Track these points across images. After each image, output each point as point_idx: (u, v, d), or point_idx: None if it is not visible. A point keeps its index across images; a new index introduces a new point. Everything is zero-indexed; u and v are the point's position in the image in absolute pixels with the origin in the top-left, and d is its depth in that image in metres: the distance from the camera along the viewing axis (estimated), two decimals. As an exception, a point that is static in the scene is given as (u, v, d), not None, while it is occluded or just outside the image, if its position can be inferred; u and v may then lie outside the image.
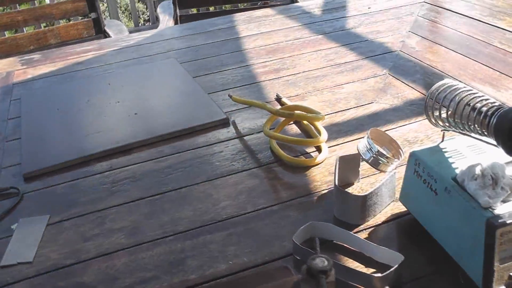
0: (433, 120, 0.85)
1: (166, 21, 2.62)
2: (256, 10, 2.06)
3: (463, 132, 0.81)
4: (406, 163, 0.87)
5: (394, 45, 1.65)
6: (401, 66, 1.49)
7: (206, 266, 0.83)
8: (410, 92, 1.33)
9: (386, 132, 1.02)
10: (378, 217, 0.90)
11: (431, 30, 1.78)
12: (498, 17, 1.80)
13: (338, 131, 1.17)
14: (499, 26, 1.73)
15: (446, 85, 0.82)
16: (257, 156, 1.10)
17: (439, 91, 0.82)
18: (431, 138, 1.11)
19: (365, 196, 0.88)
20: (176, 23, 2.53)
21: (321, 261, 0.48)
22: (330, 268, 0.47)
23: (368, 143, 0.92)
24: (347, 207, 0.90)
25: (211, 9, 3.59)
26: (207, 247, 0.86)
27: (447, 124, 0.82)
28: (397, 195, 0.92)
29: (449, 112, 0.80)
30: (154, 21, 4.53)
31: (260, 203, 0.95)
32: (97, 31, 2.70)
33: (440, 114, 0.82)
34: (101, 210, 0.98)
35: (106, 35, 2.56)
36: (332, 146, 1.12)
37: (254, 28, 1.88)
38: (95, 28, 2.69)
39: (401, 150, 0.98)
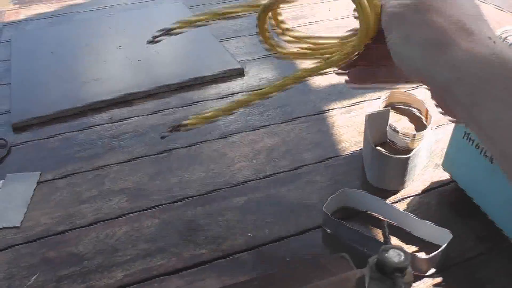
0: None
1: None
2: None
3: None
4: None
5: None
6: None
7: (221, 238, 0.71)
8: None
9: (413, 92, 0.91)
10: (417, 185, 0.78)
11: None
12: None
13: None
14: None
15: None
16: (277, 111, 0.97)
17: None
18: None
19: (408, 158, 0.75)
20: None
21: (396, 255, 0.36)
22: (408, 264, 0.35)
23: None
24: (386, 172, 0.78)
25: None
26: (222, 216, 0.74)
27: None
28: (436, 160, 0.80)
29: None
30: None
31: (281, 165, 0.83)
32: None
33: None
34: (99, 168, 0.86)
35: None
36: (359, 103, 0.99)
37: (268, -28, 1.72)
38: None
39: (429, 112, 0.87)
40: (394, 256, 0.36)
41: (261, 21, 0.46)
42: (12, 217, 0.77)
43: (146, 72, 1.11)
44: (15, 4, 1.58)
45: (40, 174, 0.85)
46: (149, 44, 0.44)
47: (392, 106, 0.93)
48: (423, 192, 0.78)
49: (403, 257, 0.36)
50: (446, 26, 0.33)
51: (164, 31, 0.43)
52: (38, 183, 0.83)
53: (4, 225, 0.76)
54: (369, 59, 0.42)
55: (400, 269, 0.35)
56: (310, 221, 0.73)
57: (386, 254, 0.36)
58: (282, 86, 0.43)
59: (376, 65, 0.42)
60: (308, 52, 0.44)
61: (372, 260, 0.36)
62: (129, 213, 0.76)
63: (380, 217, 0.74)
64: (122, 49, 1.21)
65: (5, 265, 0.69)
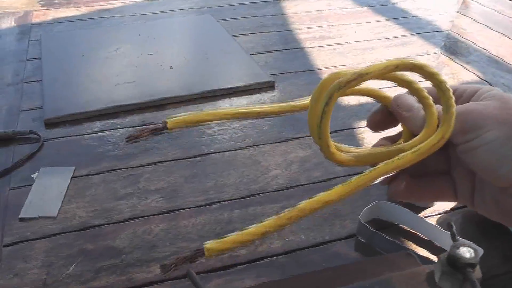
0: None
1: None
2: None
3: None
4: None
5: (443, 24, 1.53)
6: (453, 46, 1.38)
7: (258, 241, 0.72)
8: (466, 74, 1.22)
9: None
10: (445, 203, 0.79)
11: (480, 13, 1.66)
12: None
13: (393, 107, 1.06)
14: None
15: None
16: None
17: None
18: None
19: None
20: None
21: (467, 251, 0.37)
22: (478, 260, 0.36)
23: None
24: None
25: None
26: (258, 220, 0.75)
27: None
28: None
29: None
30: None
31: (314, 176, 0.85)
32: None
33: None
34: (134, 167, 0.87)
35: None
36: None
37: (294, -7, 1.76)
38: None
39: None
40: (465, 252, 0.37)
41: (327, 113, 0.34)
42: (48, 208, 0.78)
43: (178, 79, 1.13)
44: (42, 5, 1.60)
45: (75, 169, 0.86)
46: (128, 142, 0.33)
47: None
48: (452, 210, 0.79)
49: (473, 253, 0.37)
50: None
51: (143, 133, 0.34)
52: (73, 177, 0.84)
53: (41, 215, 0.77)
54: (422, 171, 0.39)
55: (471, 265, 0.37)
56: (344, 229, 0.74)
57: (458, 250, 0.37)
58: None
59: (428, 179, 0.39)
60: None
61: (443, 255, 0.37)
62: (165, 212, 0.77)
63: (411, 230, 0.76)
64: (153, 56, 1.23)
65: (43, 253, 0.70)
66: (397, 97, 0.38)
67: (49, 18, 1.51)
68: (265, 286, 0.52)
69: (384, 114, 0.39)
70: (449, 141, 0.34)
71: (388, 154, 0.37)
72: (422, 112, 0.36)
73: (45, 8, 1.59)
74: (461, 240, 0.37)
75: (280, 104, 0.38)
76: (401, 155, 0.35)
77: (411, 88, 0.39)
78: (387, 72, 0.38)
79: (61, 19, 1.50)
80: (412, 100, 0.37)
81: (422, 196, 0.39)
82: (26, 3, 1.63)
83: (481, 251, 0.37)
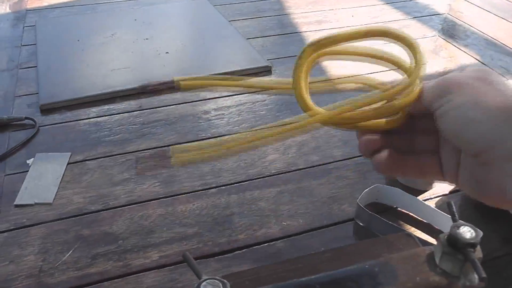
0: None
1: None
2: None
3: None
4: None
5: (440, 7, 1.52)
6: (450, 29, 1.37)
7: (256, 225, 0.71)
8: (464, 57, 1.21)
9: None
10: (444, 185, 0.79)
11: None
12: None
13: (392, 90, 1.05)
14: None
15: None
16: (306, 109, 0.98)
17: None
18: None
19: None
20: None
21: (468, 231, 0.36)
22: (479, 240, 0.36)
23: None
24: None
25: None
26: (255, 205, 0.75)
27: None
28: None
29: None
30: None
31: (312, 160, 0.84)
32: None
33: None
34: (131, 152, 0.86)
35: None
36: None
37: (290, -23, 1.74)
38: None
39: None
40: (465, 232, 0.36)
41: (300, 65, 0.40)
42: (44, 194, 0.78)
43: (174, 64, 1.12)
44: (37, -9, 1.59)
45: (70, 155, 0.85)
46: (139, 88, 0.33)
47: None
48: (451, 192, 0.79)
49: (474, 233, 0.36)
50: None
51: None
52: (69, 163, 0.84)
53: (37, 201, 0.76)
54: (401, 143, 0.39)
55: (472, 244, 0.36)
56: (342, 213, 0.74)
57: (458, 230, 0.37)
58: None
59: (415, 156, 0.39)
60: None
61: (443, 236, 0.37)
62: (162, 197, 0.77)
63: (410, 213, 0.75)
64: (149, 41, 1.21)
65: (39, 240, 0.70)
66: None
67: (44, 3, 1.50)
68: (263, 268, 0.51)
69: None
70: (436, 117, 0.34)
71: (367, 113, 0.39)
72: None
73: (39, -7, 1.57)
74: (461, 221, 0.37)
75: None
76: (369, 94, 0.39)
77: (390, 35, 0.43)
78: (358, 37, 0.42)
79: (56, 5, 1.49)
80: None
81: (407, 171, 0.39)
82: (20, -11, 1.61)
83: (481, 232, 0.36)
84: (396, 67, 0.44)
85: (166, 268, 0.66)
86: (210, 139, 0.66)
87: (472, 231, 0.37)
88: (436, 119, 0.34)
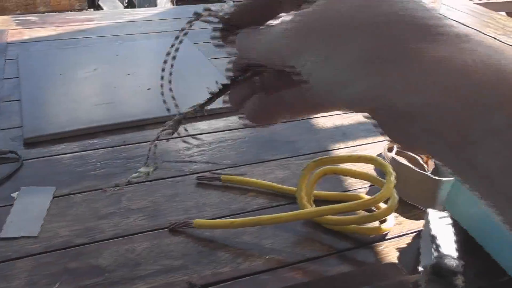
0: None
1: (164, 3, 2.52)
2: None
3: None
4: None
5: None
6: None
7: (240, 258, 0.74)
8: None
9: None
10: (419, 223, 0.82)
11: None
12: (513, 37, 1.75)
13: (366, 129, 1.09)
14: (515, 45, 1.68)
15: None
16: (287, 146, 1.01)
17: None
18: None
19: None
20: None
21: (451, 261, 0.40)
22: (462, 269, 0.39)
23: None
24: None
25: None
26: (239, 238, 0.77)
27: None
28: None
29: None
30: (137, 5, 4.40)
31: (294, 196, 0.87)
32: (90, 5, 2.59)
33: None
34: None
35: (99, 10, 2.45)
36: (363, 145, 1.04)
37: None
38: (88, 2, 2.57)
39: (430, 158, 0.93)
40: (449, 262, 0.40)
41: (303, 175, 0.78)
42: (30, 227, 0.79)
43: (157, 100, 1.13)
44: (17, 24, 1.61)
45: (55, 189, 0.87)
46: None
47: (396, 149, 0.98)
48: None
49: (457, 263, 0.40)
50: (400, 28, 0.23)
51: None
52: (54, 197, 0.85)
53: (23, 234, 0.77)
54: (265, 85, 0.34)
55: (455, 273, 0.40)
56: (325, 247, 0.76)
57: (443, 260, 0.40)
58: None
59: (277, 93, 0.33)
60: None
61: (429, 265, 0.40)
62: (148, 231, 0.78)
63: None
64: (131, 76, 1.24)
65: (25, 272, 0.71)
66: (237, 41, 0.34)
67: (25, 37, 1.52)
68: None
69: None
70: None
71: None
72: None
73: (20, 27, 1.59)
74: (444, 252, 0.40)
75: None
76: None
77: (374, 162, 0.78)
78: (352, 161, 0.80)
79: (37, 39, 1.51)
80: (246, 37, 0.32)
81: (283, 111, 0.33)
82: (1, 22, 1.63)
83: (462, 262, 0.39)
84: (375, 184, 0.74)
85: (153, 300, 0.67)
86: (224, 220, 0.72)
87: (455, 261, 0.40)
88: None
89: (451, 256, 0.41)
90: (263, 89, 0.34)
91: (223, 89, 0.38)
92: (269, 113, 0.34)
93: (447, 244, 0.69)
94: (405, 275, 0.50)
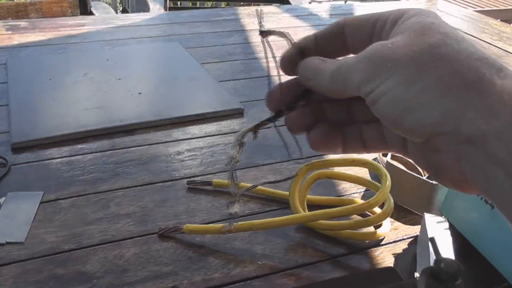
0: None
1: (157, 9, 2.51)
2: (260, 6, 1.97)
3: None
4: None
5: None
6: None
7: (231, 264, 0.72)
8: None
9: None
10: (415, 228, 0.81)
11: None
12: (508, 43, 1.75)
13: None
14: (510, 51, 1.67)
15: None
16: (278, 150, 1.00)
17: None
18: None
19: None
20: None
21: (450, 264, 0.38)
22: (461, 273, 0.38)
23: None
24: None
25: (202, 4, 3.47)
26: (230, 244, 0.76)
27: None
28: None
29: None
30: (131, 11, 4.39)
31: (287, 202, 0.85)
32: (82, 12, 2.57)
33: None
34: (104, 191, 0.86)
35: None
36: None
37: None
38: (80, 8, 2.56)
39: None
40: (448, 265, 0.38)
41: (296, 180, 0.78)
42: (16, 234, 0.77)
43: (147, 105, 1.13)
44: (7, 30, 1.59)
45: (43, 194, 0.85)
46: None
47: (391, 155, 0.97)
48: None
49: (456, 266, 0.38)
50: (472, 61, 0.26)
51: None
52: (41, 202, 0.83)
53: (8, 240, 0.75)
54: (333, 115, 0.36)
55: (454, 277, 0.38)
56: (319, 253, 0.75)
57: (441, 264, 0.39)
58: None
59: (354, 127, 0.35)
60: None
61: (427, 269, 0.39)
62: (136, 236, 0.77)
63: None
64: (121, 81, 1.22)
65: (10, 279, 0.69)
66: (303, 65, 0.35)
67: (15, 42, 1.50)
68: None
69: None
70: None
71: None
72: (328, 68, 0.32)
73: (10, 32, 1.58)
74: (443, 256, 0.39)
75: None
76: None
77: (368, 165, 0.75)
78: (346, 164, 0.78)
79: (27, 44, 1.49)
80: (317, 62, 0.34)
81: (347, 146, 0.35)
82: (-10, 28, 1.61)
83: (462, 266, 0.38)
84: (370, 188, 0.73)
85: (141, 307, 0.65)
86: (214, 224, 0.70)
87: (454, 264, 0.39)
88: (369, 106, 0.29)
89: (450, 260, 0.39)
90: (326, 120, 0.36)
91: (279, 114, 0.39)
92: (335, 144, 0.36)
93: (445, 249, 0.67)
94: (401, 279, 0.48)
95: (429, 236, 0.66)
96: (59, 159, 0.95)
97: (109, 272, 0.70)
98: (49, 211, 0.82)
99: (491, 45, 1.72)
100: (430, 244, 0.41)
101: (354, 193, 0.88)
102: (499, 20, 2.55)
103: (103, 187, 0.87)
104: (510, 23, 2.45)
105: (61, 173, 0.91)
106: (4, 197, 0.84)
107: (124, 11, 4.79)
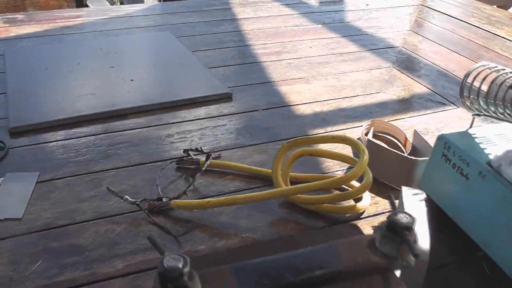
0: (468, 103, 0.80)
1: (151, 1, 2.54)
2: None
3: (499, 117, 0.76)
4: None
5: (395, 41, 1.61)
6: (405, 61, 1.45)
7: (216, 237, 0.76)
8: (417, 86, 1.29)
9: (391, 122, 1.00)
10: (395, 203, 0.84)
11: (431, 31, 1.75)
12: (497, 26, 1.78)
13: (345, 115, 1.12)
14: (498, 34, 1.71)
15: (486, 67, 0.78)
16: (264, 132, 1.04)
17: (478, 72, 0.78)
18: (442, 131, 1.07)
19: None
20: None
21: (404, 217, 0.42)
22: (414, 224, 0.42)
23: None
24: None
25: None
26: (216, 218, 0.80)
27: (484, 108, 0.78)
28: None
29: (489, 95, 0.76)
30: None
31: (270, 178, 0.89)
32: (78, 5, 2.61)
33: (478, 96, 0.78)
34: (97, 171, 0.90)
35: (87, 9, 2.47)
36: (341, 130, 1.06)
37: (251, 12, 1.83)
38: (76, 2, 2.59)
39: (408, 140, 0.96)
40: (402, 218, 0.42)
41: (279, 156, 0.78)
42: (14, 210, 0.81)
43: (139, 91, 1.17)
44: (4, 22, 1.63)
45: (39, 175, 0.89)
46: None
47: (373, 134, 1.01)
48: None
49: (410, 218, 0.42)
50: None
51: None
52: (38, 182, 0.87)
53: (6, 216, 0.80)
54: None
55: (408, 228, 0.42)
56: (300, 226, 0.79)
57: (396, 217, 0.42)
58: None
59: None
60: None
61: (383, 222, 0.43)
62: (127, 212, 0.81)
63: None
64: (114, 69, 1.26)
65: (8, 252, 0.73)
66: None
67: (12, 34, 1.54)
68: (221, 253, 0.55)
69: None
70: None
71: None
72: None
73: (7, 24, 1.62)
74: (399, 210, 0.43)
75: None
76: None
77: (347, 141, 0.78)
78: (326, 141, 0.83)
79: (24, 35, 1.53)
80: None
81: None
82: (-12, 20, 1.65)
83: (416, 218, 0.42)
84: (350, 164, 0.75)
85: (130, 276, 0.70)
86: (201, 199, 0.74)
87: (408, 217, 0.42)
88: None
89: (404, 213, 0.43)
90: None
91: None
92: None
93: (419, 218, 0.71)
94: (362, 233, 0.52)
95: (405, 207, 0.70)
96: (55, 142, 0.99)
97: (101, 245, 0.74)
98: (45, 190, 0.86)
99: (480, 29, 1.76)
100: (388, 200, 0.45)
101: (337, 171, 0.92)
102: (495, 6, 2.58)
103: (96, 167, 0.91)
104: (507, 9, 2.48)
105: (56, 155, 0.95)
106: (3, 178, 0.88)
107: (122, 4, 4.80)
